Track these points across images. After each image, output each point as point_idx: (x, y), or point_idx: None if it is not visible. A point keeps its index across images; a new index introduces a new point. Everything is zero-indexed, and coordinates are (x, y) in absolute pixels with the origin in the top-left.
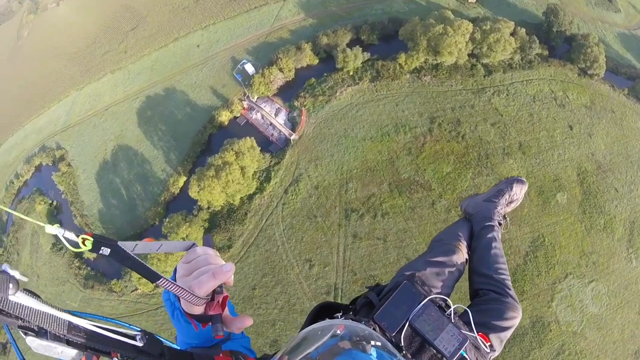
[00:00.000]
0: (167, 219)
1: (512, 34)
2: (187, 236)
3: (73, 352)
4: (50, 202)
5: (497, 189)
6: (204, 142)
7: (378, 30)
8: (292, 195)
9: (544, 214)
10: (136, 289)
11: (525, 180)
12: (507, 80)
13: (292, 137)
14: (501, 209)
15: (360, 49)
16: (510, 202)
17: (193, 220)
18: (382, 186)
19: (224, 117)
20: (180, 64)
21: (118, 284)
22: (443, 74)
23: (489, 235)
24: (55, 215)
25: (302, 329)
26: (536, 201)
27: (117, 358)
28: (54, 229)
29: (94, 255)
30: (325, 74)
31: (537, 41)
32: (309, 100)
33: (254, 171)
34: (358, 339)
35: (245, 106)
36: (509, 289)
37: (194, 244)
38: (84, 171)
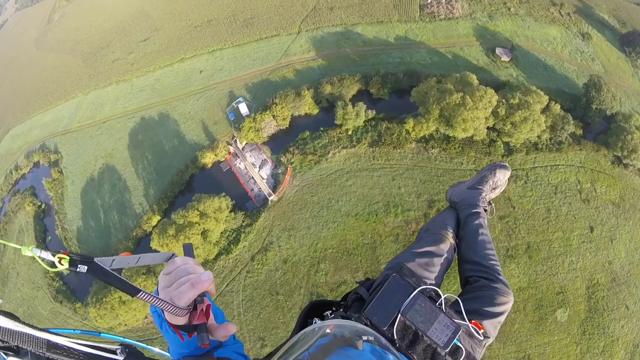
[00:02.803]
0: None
1: (543, 110)
2: (144, 288)
3: None
4: (39, 204)
5: (480, 175)
6: (183, 182)
7: (390, 84)
8: (258, 264)
9: (536, 332)
10: None
11: (508, 165)
12: (528, 163)
13: (270, 198)
14: (486, 195)
15: (364, 106)
16: (495, 188)
17: (155, 268)
18: (357, 274)
19: (208, 159)
20: (180, 88)
21: (82, 308)
22: (454, 148)
23: (476, 222)
24: (42, 218)
25: (294, 330)
26: (531, 316)
27: None
28: (30, 252)
29: (68, 270)
30: (321, 129)
31: (572, 121)
32: (297, 157)
33: (224, 229)
34: (349, 336)
35: (232, 151)
36: (499, 274)
37: (173, 255)
38: (72, 182)
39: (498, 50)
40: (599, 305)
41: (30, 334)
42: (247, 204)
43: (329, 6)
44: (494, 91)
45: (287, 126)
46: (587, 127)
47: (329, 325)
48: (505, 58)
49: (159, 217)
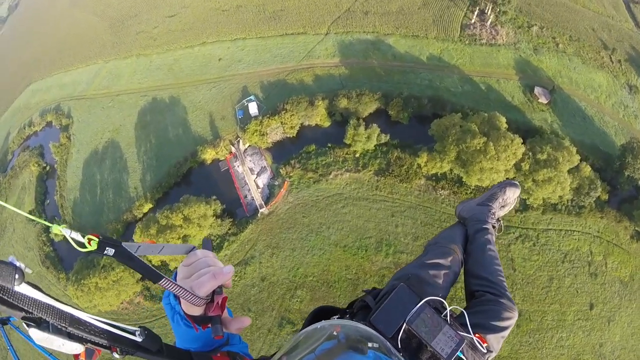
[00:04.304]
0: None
1: (572, 170)
2: (119, 279)
3: (74, 345)
4: (44, 165)
5: (490, 193)
6: (180, 174)
7: (412, 108)
8: (236, 276)
9: None
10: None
11: (518, 184)
12: (542, 224)
13: (261, 210)
14: (495, 212)
15: (378, 129)
16: (504, 206)
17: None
18: None
19: (208, 155)
20: (196, 74)
21: (64, 280)
22: (466, 193)
23: (484, 238)
24: (45, 180)
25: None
26: None
27: (117, 352)
28: (61, 229)
29: (60, 237)
30: (328, 145)
31: (599, 186)
32: (297, 171)
33: (208, 235)
34: (355, 340)
35: (233, 151)
36: (505, 290)
37: (194, 248)
38: (78, 151)
39: (537, 90)
40: None
41: (56, 307)
42: (237, 210)
43: (364, 10)
44: (521, 141)
45: (294, 135)
46: (613, 191)
47: (336, 327)
48: (543, 100)
49: (150, 206)
